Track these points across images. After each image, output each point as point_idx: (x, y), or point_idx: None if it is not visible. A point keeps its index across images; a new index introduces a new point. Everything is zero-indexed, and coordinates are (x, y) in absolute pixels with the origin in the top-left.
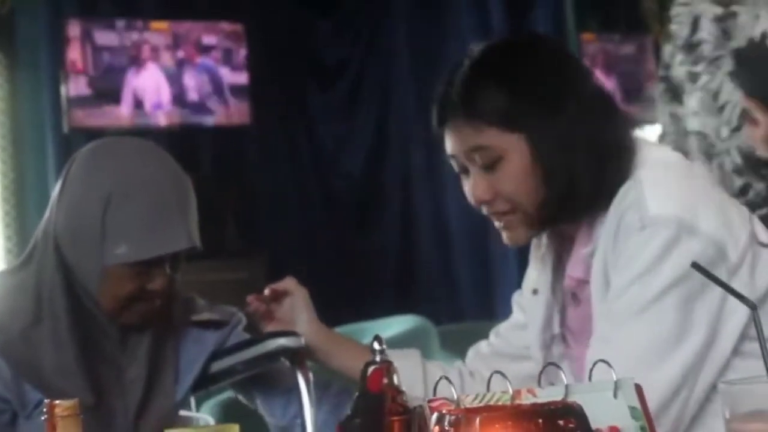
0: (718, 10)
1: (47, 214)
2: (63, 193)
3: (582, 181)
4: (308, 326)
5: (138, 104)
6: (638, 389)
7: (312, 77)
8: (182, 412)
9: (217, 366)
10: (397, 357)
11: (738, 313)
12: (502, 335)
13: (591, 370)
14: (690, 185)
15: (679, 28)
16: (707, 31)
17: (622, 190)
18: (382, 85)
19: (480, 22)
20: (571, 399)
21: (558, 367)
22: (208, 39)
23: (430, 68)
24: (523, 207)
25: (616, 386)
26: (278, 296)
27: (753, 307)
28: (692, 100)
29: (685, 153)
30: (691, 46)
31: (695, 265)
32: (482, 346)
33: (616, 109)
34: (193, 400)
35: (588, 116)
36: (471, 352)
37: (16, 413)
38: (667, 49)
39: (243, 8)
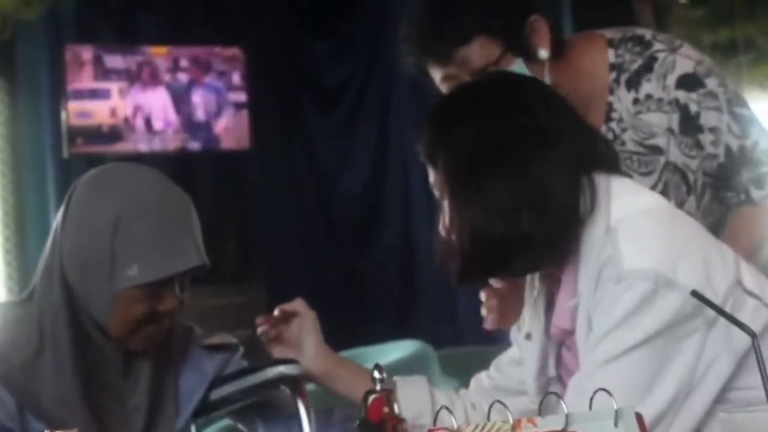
0: None
1: (49, 244)
2: (67, 221)
3: (486, 241)
4: (315, 349)
5: (138, 129)
6: (639, 418)
7: (311, 100)
8: None
9: (217, 394)
10: (405, 384)
11: (715, 369)
12: (502, 370)
13: (590, 400)
14: (669, 234)
15: None
16: None
17: (598, 241)
18: (382, 107)
19: None
20: (571, 428)
21: (559, 396)
22: (208, 63)
23: (430, 90)
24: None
25: (617, 415)
26: (287, 317)
27: (753, 335)
28: None
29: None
30: None
31: (694, 293)
32: (483, 379)
33: (565, 156)
34: (193, 429)
35: (510, 181)
36: (473, 384)
37: None
38: None
39: (241, 32)
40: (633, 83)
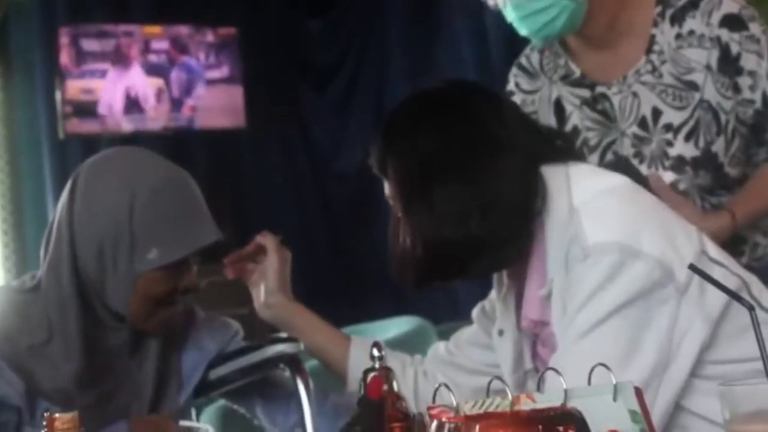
0: None
1: (54, 233)
2: (75, 209)
3: (444, 246)
4: (270, 294)
5: (132, 109)
6: (638, 392)
7: (305, 79)
8: (183, 423)
9: (216, 373)
10: (357, 343)
11: (691, 335)
12: (462, 349)
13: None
14: (631, 209)
15: None
16: None
17: (562, 225)
18: (376, 85)
19: (473, 22)
20: (570, 404)
21: (558, 372)
22: (203, 42)
23: (424, 68)
24: None
25: (616, 390)
26: (256, 254)
27: (750, 308)
28: None
29: None
30: None
31: (692, 267)
32: (441, 350)
33: (518, 157)
34: (193, 411)
35: (462, 187)
36: (430, 352)
37: (22, 422)
38: None
39: (235, 11)
40: (677, 18)
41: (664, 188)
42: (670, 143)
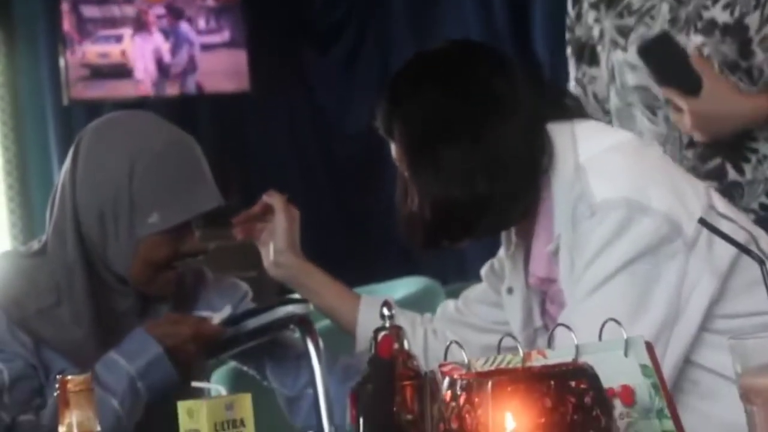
0: None
1: (58, 197)
2: (77, 173)
3: (457, 205)
4: (279, 253)
5: (136, 74)
6: (649, 347)
7: (310, 40)
8: (194, 383)
9: (226, 335)
10: (368, 302)
11: (699, 289)
12: (471, 307)
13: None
14: (638, 165)
15: None
16: None
17: (568, 182)
18: (380, 46)
19: None
20: (582, 359)
21: (568, 327)
22: (205, 7)
23: (429, 28)
24: None
25: (627, 345)
26: (265, 213)
27: (761, 261)
28: (629, 55)
29: (593, 116)
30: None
31: (702, 221)
32: (450, 308)
33: (525, 115)
34: None
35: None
36: (439, 310)
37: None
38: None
39: None
40: None
41: (706, 65)
42: (706, 6)
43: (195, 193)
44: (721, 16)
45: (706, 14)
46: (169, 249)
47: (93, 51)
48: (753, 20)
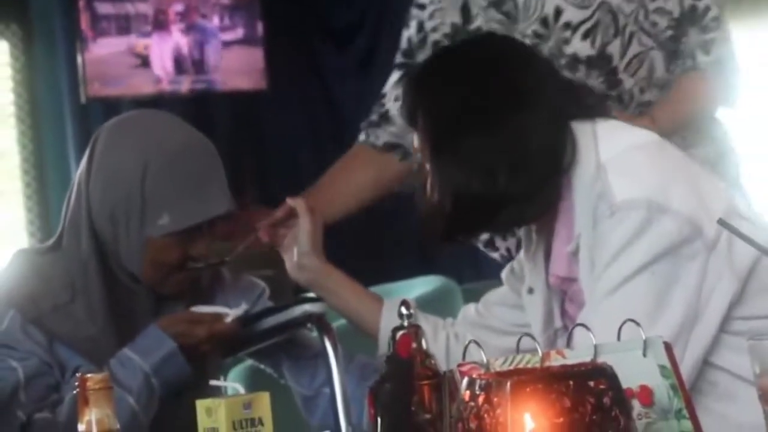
0: None
1: (74, 193)
2: (92, 171)
3: (470, 199)
4: (302, 257)
5: (153, 73)
6: (667, 347)
7: (326, 38)
8: (212, 382)
9: (243, 333)
10: (390, 305)
11: (719, 291)
12: (491, 310)
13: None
14: (659, 164)
15: None
16: None
17: (589, 181)
18: (397, 43)
19: None
20: (600, 359)
21: (587, 327)
22: (222, 5)
23: None
24: None
25: (645, 345)
26: (288, 218)
27: None
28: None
29: None
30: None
31: (721, 222)
32: (471, 311)
33: (547, 111)
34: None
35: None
36: (461, 314)
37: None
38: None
39: None
40: None
41: None
42: (567, 41)
43: (207, 197)
44: (584, 49)
45: (568, 49)
46: (178, 251)
47: (110, 48)
48: (615, 48)
